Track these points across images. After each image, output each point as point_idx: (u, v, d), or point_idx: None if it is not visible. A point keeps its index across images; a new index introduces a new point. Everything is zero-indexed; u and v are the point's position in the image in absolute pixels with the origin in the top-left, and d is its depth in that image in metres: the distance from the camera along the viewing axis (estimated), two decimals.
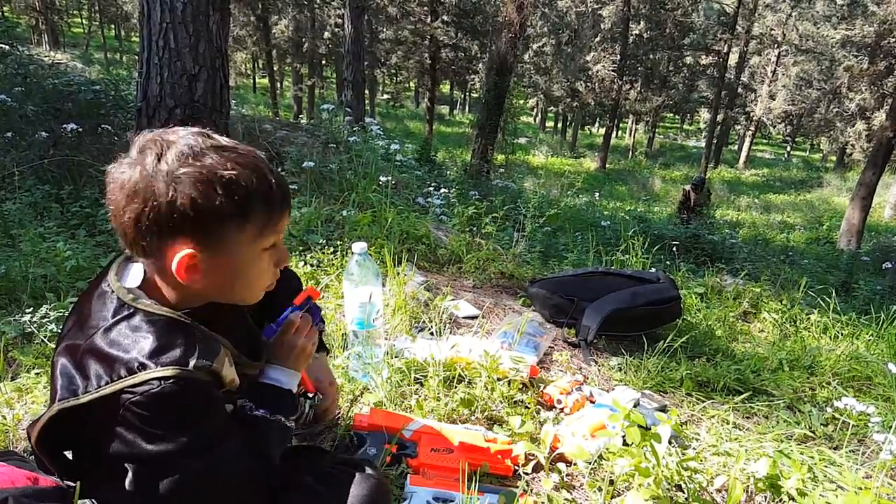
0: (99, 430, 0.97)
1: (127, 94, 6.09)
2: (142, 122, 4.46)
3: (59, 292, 2.62)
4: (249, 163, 1.02)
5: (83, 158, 4.52)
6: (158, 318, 1.01)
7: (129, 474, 0.97)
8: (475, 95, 35.76)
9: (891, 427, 1.82)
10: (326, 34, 24.90)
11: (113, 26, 37.41)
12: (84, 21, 38.51)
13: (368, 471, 1.19)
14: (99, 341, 0.98)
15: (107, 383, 0.94)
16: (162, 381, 0.94)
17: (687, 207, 10.70)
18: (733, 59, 26.12)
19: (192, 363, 0.97)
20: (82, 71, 10.63)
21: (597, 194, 14.11)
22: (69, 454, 1.07)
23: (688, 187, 10.92)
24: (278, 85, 29.99)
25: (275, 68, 26.67)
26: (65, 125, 4.52)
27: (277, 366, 1.26)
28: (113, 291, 1.04)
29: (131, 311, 1.01)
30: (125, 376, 0.93)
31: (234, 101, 8.98)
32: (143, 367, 0.94)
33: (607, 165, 26.42)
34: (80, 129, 4.57)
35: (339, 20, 21.75)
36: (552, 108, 35.43)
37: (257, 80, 36.85)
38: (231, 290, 1.10)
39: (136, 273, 1.07)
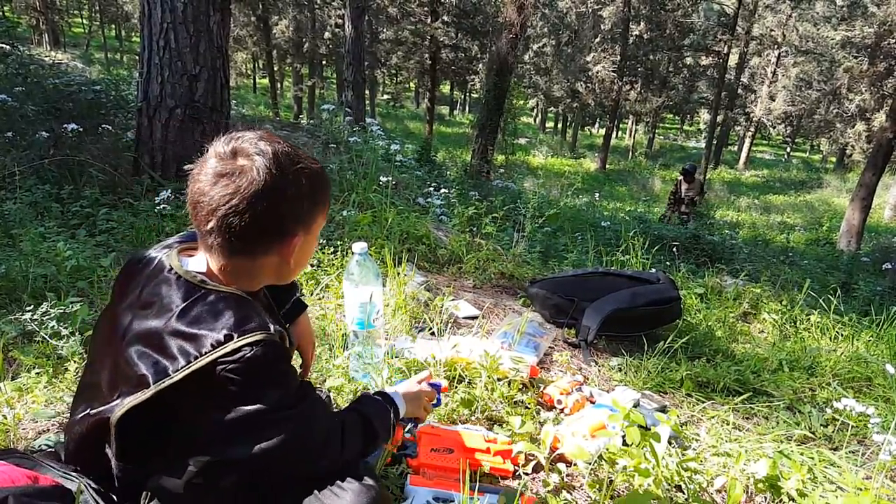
0: (184, 407, 1.05)
1: (127, 94, 6.09)
2: (142, 121, 4.46)
3: (60, 292, 2.62)
4: (308, 155, 1.18)
5: (84, 158, 4.51)
6: (229, 295, 1.11)
7: (224, 443, 1.06)
8: (475, 96, 35.77)
9: (890, 428, 1.82)
10: (327, 34, 24.91)
11: (113, 26, 37.41)
12: (84, 21, 38.54)
13: (367, 481, 1.21)
14: (179, 323, 1.05)
15: (196, 358, 1.01)
16: (253, 346, 1.03)
17: (677, 199, 10.64)
18: (733, 59, 26.11)
19: (272, 328, 1.08)
20: (83, 71, 10.65)
21: (597, 195, 14.10)
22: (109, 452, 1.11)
23: (679, 176, 10.81)
24: (279, 85, 30.00)
25: (275, 68, 26.67)
26: (65, 125, 4.52)
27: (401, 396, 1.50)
28: (180, 277, 1.12)
29: (203, 292, 1.10)
30: (216, 347, 1.02)
31: (234, 102, 8.98)
32: (230, 337, 1.03)
33: (607, 166, 26.41)
34: (81, 129, 4.57)
35: (340, 20, 21.77)
36: (552, 108, 35.43)
37: (258, 80, 36.86)
38: (298, 268, 1.26)
39: (199, 261, 1.17)
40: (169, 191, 3.91)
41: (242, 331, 1.04)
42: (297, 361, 1.60)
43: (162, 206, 3.76)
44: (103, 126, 5.02)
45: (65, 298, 2.42)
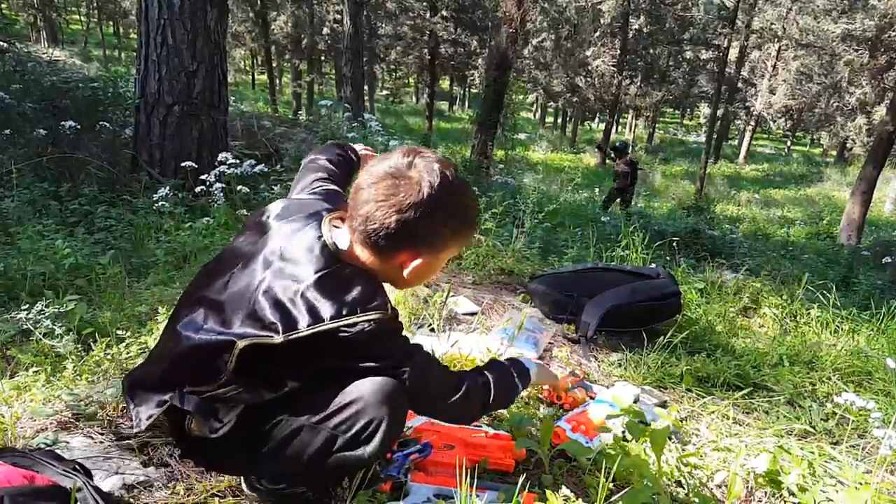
0: (302, 353, 1.20)
1: (125, 91, 6.07)
2: (140, 118, 4.46)
3: (58, 290, 2.61)
4: (472, 196, 1.33)
5: (82, 156, 4.51)
6: (361, 273, 1.26)
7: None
8: (475, 91, 35.66)
9: (891, 423, 1.82)
10: (325, 30, 24.83)
11: (111, 23, 37.29)
12: (82, 18, 38.41)
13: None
14: (314, 287, 1.20)
15: (323, 322, 1.17)
16: (371, 323, 1.18)
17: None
18: (733, 53, 26.01)
19: (390, 309, 1.22)
20: (81, 68, 10.62)
21: (597, 190, 14.08)
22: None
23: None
24: (277, 81, 29.93)
25: (273, 65, 26.61)
26: (63, 123, 4.51)
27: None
28: (325, 246, 1.26)
29: (340, 265, 1.25)
30: (344, 316, 1.17)
31: (232, 98, 8.95)
32: (353, 312, 1.18)
33: (607, 161, 26.34)
34: (79, 127, 4.56)
35: (338, 16, 21.69)
36: (552, 103, 35.34)
37: (256, 76, 36.78)
38: (412, 284, 1.39)
39: (343, 235, 1.29)
40: (167, 188, 3.90)
41: (366, 308, 1.19)
42: None
43: (160, 204, 3.76)
44: (101, 123, 5.01)
45: (63, 296, 2.42)
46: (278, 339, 1.17)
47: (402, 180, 1.19)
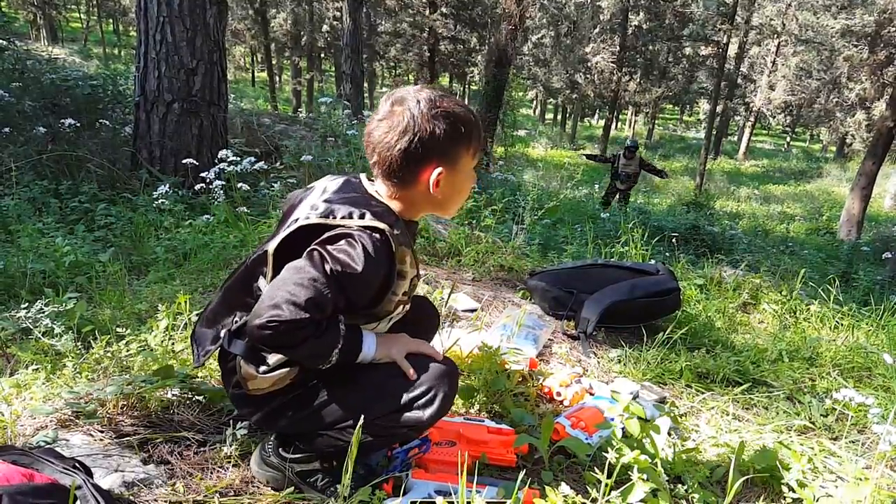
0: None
1: (125, 89, 6.07)
2: (140, 116, 4.45)
3: (58, 288, 2.61)
4: (465, 104, 1.42)
5: (81, 153, 4.50)
6: (385, 204, 1.39)
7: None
8: (474, 88, 35.61)
9: (889, 418, 1.82)
10: (325, 27, 24.79)
11: (111, 21, 37.22)
12: (82, 16, 38.33)
13: None
14: (348, 200, 1.36)
15: (332, 217, 1.32)
16: (368, 230, 1.29)
17: (614, 173, 10.88)
18: (733, 49, 25.98)
19: (396, 230, 1.33)
20: (80, 66, 10.61)
21: (596, 186, 14.08)
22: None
23: (619, 151, 11.09)
24: (277, 79, 29.90)
25: (273, 62, 26.59)
26: (63, 120, 4.51)
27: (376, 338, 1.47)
28: (361, 182, 1.46)
29: (369, 196, 1.40)
30: (356, 217, 1.31)
31: (232, 95, 8.94)
32: (364, 216, 1.31)
33: (606, 154, 26.34)
34: (78, 125, 4.56)
35: (338, 13, 21.67)
36: (551, 100, 35.33)
37: (256, 73, 36.74)
38: (452, 203, 1.49)
39: (379, 187, 1.44)
40: (167, 185, 3.90)
41: (374, 216, 1.31)
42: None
43: (160, 201, 3.76)
44: (101, 121, 5.01)
45: (63, 294, 2.42)
46: (294, 226, 1.33)
47: (396, 106, 1.34)
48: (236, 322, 1.41)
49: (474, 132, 1.42)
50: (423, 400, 1.40)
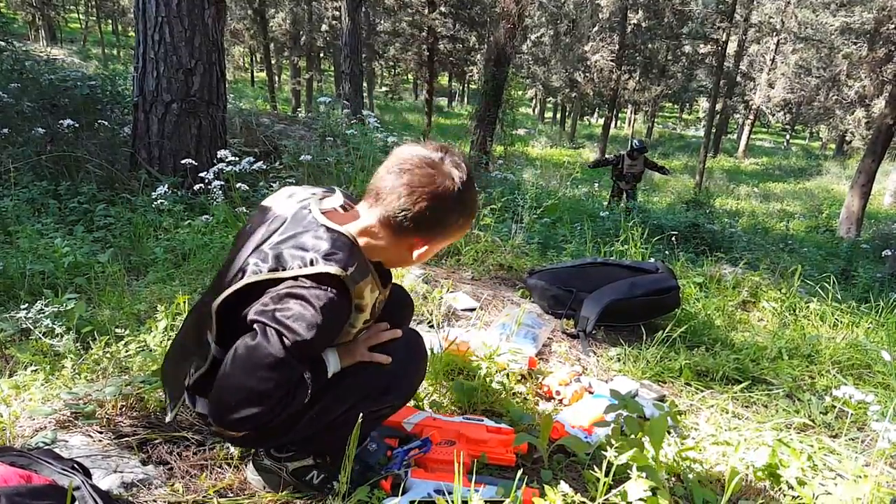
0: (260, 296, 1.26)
1: (123, 90, 6.06)
2: (138, 116, 4.45)
3: (57, 289, 2.61)
4: (476, 197, 1.41)
5: (80, 154, 4.50)
6: (337, 233, 1.30)
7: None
8: (473, 87, 35.61)
9: (888, 415, 1.82)
10: (324, 27, 24.77)
11: (110, 21, 37.19)
12: (81, 16, 38.29)
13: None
14: (297, 244, 1.28)
15: (292, 269, 1.24)
16: (320, 278, 1.23)
17: (619, 174, 10.50)
18: (732, 47, 25.97)
19: (349, 270, 1.26)
20: (80, 66, 10.60)
21: (596, 185, 14.07)
22: None
23: (623, 151, 10.70)
24: (276, 78, 29.86)
25: (272, 62, 26.54)
26: (61, 121, 4.50)
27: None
28: (312, 214, 1.35)
29: (320, 227, 1.31)
30: (306, 266, 1.24)
31: (231, 96, 8.92)
32: (315, 262, 1.24)
33: (607, 156, 26.35)
34: (77, 125, 4.55)
35: (337, 13, 21.64)
36: (551, 98, 35.29)
37: (255, 73, 36.71)
38: (415, 263, 1.44)
39: (334, 201, 1.43)
40: (166, 185, 3.90)
41: (325, 258, 1.25)
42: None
43: (159, 202, 3.75)
44: (100, 122, 5.00)
45: (62, 295, 2.42)
46: (240, 283, 1.27)
47: (437, 171, 1.29)
48: (191, 375, 1.38)
49: (471, 222, 1.46)
50: (399, 380, 1.48)
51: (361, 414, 1.34)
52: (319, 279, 1.23)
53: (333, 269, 1.24)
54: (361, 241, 1.34)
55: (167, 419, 1.46)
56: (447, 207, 1.32)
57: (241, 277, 1.28)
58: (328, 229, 1.31)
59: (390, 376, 1.46)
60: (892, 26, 13.47)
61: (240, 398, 1.19)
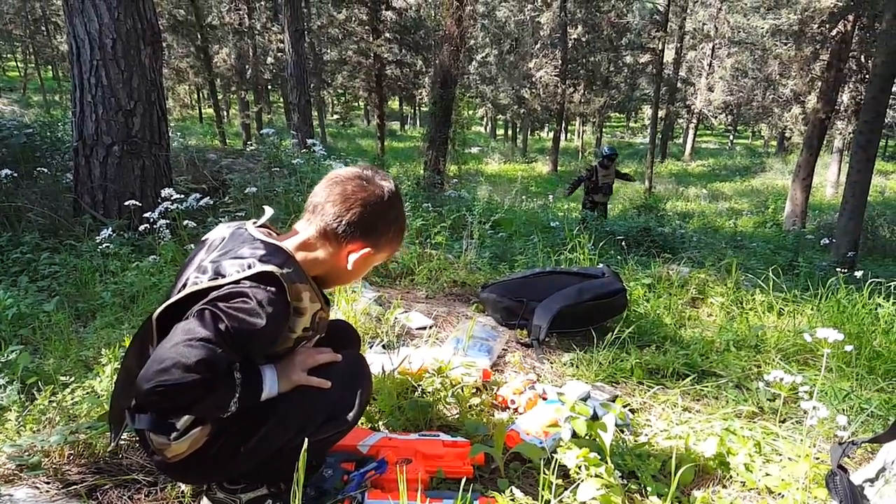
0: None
1: (63, 135, 5.96)
2: (79, 161, 4.38)
3: (1, 341, 2.55)
4: (404, 211, 1.55)
5: (21, 204, 4.41)
6: (273, 245, 1.37)
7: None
8: (424, 109, 35.88)
9: (814, 394, 1.91)
10: (269, 59, 24.74)
11: (50, 67, 36.44)
12: (19, 64, 37.46)
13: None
14: (234, 255, 1.34)
15: (231, 275, 1.29)
16: (261, 280, 1.28)
17: (594, 187, 10.01)
18: (669, 55, 26.85)
19: (285, 269, 1.31)
20: (20, 115, 10.36)
21: (550, 197, 14.29)
22: None
23: (594, 163, 10.17)
24: (225, 113, 29.65)
25: (220, 97, 26.33)
26: None
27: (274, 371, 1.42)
28: (248, 231, 1.42)
29: (256, 240, 1.38)
30: (244, 270, 1.29)
31: (180, 133, 8.85)
32: (252, 265, 1.30)
33: (559, 168, 26.81)
34: (15, 175, 4.46)
35: (281, 44, 21.65)
36: (501, 116, 35.81)
37: (203, 110, 36.35)
38: (348, 279, 1.54)
39: (268, 214, 1.53)
40: (111, 228, 3.84)
41: (260, 260, 1.31)
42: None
43: (104, 245, 3.69)
44: (39, 169, 4.91)
45: (6, 348, 2.36)
46: (180, 295, 1.31)
47: (368, 182, 1.44)
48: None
49: (402, 237, 1.56)
50: (344, 403, 1.50)
51: (307, 440, 1.33)
52: (258, 278, 1.28)
53: (269, 267, 1.29)
54: (299, 255, 1.41)
55: (109, 448, 1.52)
56: (380, 212, 1.44)
57: (183, 290, 1.32)
58: (265, 242, 1.37)
59: (334, 401, 1.47)
60: (816, 27, 14.13)
61: (160, 368, 1.14)
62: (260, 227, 1.48)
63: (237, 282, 1.28)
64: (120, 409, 1.43)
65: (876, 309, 3.52)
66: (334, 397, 1.47)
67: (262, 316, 1.24)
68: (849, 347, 2.14)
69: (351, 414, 1.51)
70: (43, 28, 30.90)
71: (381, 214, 1.44)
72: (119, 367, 1.54)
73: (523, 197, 13.13)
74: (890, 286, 3.87)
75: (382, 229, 1.46)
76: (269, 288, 1.27)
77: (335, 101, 37.39)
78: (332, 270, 1.48)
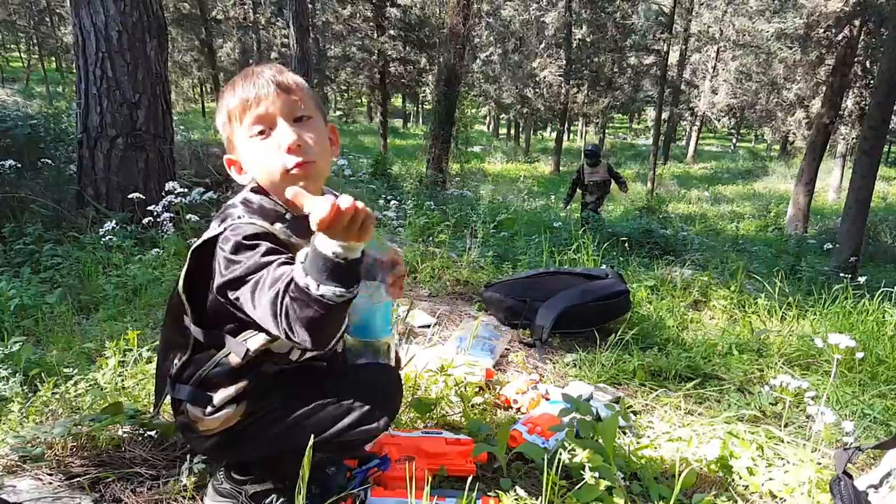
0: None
1: (67, 127, 5.96)
2: (83, 153, 4.38)
3: (3, 333, 2.55)
4: (244, 71, 1.38)
5: (24, 195, 4.40)
6: (255, 201, 1.32)
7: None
8: (427, 107, 35.90)
9: (821, 400, 1.90)
10: (273, 54, 24.74)
11: (54, 59, 36.39)
12: (23, 55, 37.41)
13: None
14: (225, 210, 1.33)
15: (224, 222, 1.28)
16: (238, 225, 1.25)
17: (582, 186, 9.52)
18: (674, 57, 26.82)
19: (278, 223, 1.28)
20: (23, 106, 10.35)
21: (552, 197, 14.28)
22: None
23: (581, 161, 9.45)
24: None
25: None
26: (2, 162, 4.40)
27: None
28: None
29: (242, 200, 1.33)
30: (233, 216, 1.28)
31: (183, 127, 8.83)
32: (241, 216, 1.27)
33: (561, 168, 26.79)
34: (19, 165, 4.46)
35: (285, 40, 21.63)
36: (504, 115, 35.80)
37: (206, 104, 36.33)
38: (259, 178, 1.36)
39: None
40: (114, 221, 3.84)
41: (251, 213, 1.29)
42: None
43: (108, 238, 3.69)
44: (43, 160, 4.91)
45: (8, 339, 2.36)
46: (189, 259, 1.31)
47: None
48: (175, 364, 1.41)
49: (229, 98, 1.35)
50: (377, 411, 1.41)
51: (321, 437, 1.32)
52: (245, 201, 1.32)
53: (259, 226, 1.26)
54: (251, 196, 1.34)
55: (151, 413, 1.60)
56: (223, 95, 1.38)
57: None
58: (246, 200, 1.33)
59: (366, 410, 1.42)
60: (821, 31, 14.10)
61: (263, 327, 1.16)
62: None
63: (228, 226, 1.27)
64: (162, 377, 1.48)
65: (883, 316, 3.52)
66: (365, 404, 1.42)
67: (248, 222, 1.25)
68: (860, 354, 2.13)
69: (383, 421, 1.43)
70: (47, 19, 30.83)
71: (223, 96, 1.38)
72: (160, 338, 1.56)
73: (524, 196, 13.13)
74: (892, 292, 3.86)
75: (227, 89, 1.37)
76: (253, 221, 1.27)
77: (338, 98, 37.38)
78: (255, 173, 1.36)
